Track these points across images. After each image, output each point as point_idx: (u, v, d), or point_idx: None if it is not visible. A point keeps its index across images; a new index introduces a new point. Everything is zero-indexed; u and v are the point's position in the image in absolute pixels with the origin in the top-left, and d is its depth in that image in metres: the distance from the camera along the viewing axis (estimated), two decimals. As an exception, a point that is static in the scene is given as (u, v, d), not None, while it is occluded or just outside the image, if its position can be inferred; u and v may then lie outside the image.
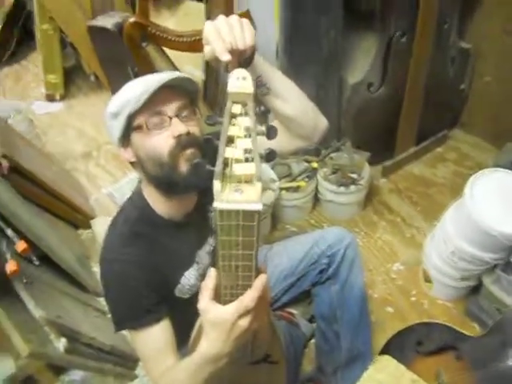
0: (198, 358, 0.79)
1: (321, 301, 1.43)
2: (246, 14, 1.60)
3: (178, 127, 0.88)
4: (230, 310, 0.70)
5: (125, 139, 0.92)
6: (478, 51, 2.33)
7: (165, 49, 1.86)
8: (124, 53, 1.86)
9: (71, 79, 3.45)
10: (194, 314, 1.08)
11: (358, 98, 2.05)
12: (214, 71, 2.07)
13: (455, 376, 1.31)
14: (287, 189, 2.05)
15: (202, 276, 1.08)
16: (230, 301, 0.71)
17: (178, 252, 1.02)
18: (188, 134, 0.89)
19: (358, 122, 2.12)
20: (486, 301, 1.66)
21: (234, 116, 0.57)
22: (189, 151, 0.89)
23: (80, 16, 2.64)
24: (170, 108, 0.89)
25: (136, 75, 1.88)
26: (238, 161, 0.53)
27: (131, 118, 0.88)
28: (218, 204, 0.52)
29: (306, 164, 2.10)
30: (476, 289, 1.75)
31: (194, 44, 1.72)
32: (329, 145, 2.10)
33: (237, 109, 0.57)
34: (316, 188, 2.12)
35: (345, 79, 2.02)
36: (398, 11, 1.90)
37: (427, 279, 1.86)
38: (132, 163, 0.97)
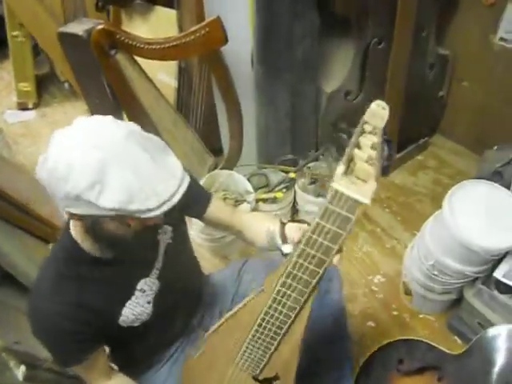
0: None
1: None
2: (216, 22, 1.54)
3: (158, 219, 0.82)
4: None
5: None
6: (456, 57, 2.31)
7: (136, 58, 1.80)
8: (96, 60, 1.80)
9: (45, 87, 3.36)
10: (147, 337, 1.09)
11: (335, 107, 2.01)
12: (187, 79, 2.01)
13: (437, 398, 1.26)
14: (265, 200, 1.99)
15: (157, 300, 1.03)
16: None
17: (115, 285, 0.97)
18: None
19: (336, 131, 2.07)
20: (468, 315, 1.62)
21: (365, 131, 0.64)
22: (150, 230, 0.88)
23: (51, 23, 2.55)
24: None
25: (109, 85, 1.82)
26: (361, 159, 0.60)
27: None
28: (336, 185, 0.59)
29: (283, 174, 2.05)
30: (458, 302, 1.71)
31: (164, 51, 1.66)
32: (306, 154, 2.05)
33: (369, 128, 0.64)
34: (294, 199, 2.07)
35: (322, 87, 1.97)
36: (375, 18, 1.86)
37: (407, 292, 1.81)
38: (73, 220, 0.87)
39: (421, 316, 1.80)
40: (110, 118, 0.79)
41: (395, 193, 2.35)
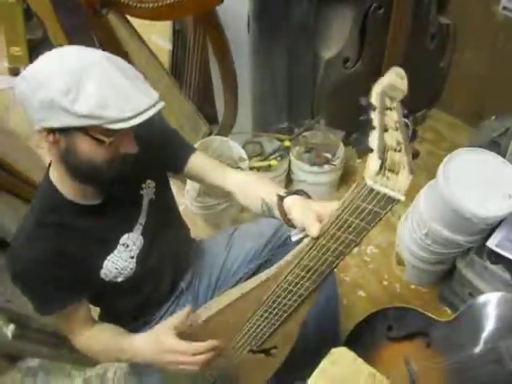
0: (125, 345, 0.97)
1: None
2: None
3: (130, 147, 0.83)
4: (172, 340, 0.90)
5: (63, 131, 0.77)
6: (459, 28, 2.26)
7: (129, 18, 1.74)
8: (88, 22, 1.75)
9: (39, 52, 3.21)
10: (133, 296, 1.09)
11: (332, 74, 1.96)
12: (182, 42, 1.96)
13: (425, 363, 1.26)
14: (259, 168, 1.97)
15: (141, 257, 1.02)
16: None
17: (95, 236, 0.95)
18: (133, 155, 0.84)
19: (333, 100, 2.03)
20: (459, 285, 1.62)
21: (387, 108, 0.62)
22: (128, 165, 0.86)
23: (42, -17, 2.47)
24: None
25: (103, 48, 1.77)
26: (392, 149, 0.57)
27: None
28: (371, 183, 0.56)
29: (278, 142, 2.02)
30: (450, 273, 1.71)
31: (157, 10, 1.60)
32: (302, 123, 2.02)
33: (388, 102, 0.63)
34: (289, 167, 2.04)
35: (319, 54, 1.92)
36: (376, -19, 1.81)
37: (400, 262, 1.81)
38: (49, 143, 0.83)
39: (412, 287, 1.81)
40: None
41: (391, 165, 2.32)
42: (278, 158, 1.99)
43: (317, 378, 0.90)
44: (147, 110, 0.76)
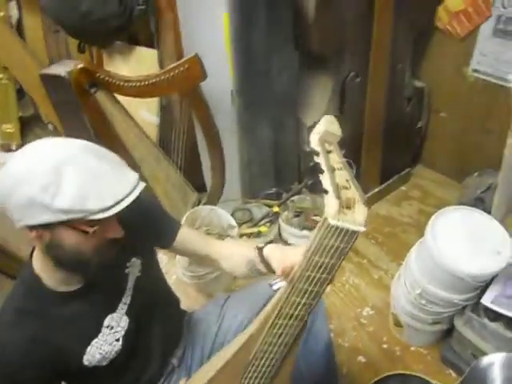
0: None
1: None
2: (194, 58, 1.56)
3: (115, 232, 0.83)
4: None
5: (46, 226, 0.77)
6: (432, 89, 2.38)
7: (118, 96, 1.81)
8: (77, 100, 1.81)
9: (30, 128, 3.34)
10: (121, 378, 1.04)
11: (316, 139, 2.02)
12: (169, 116, 2.03)
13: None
14: (249, 234, 1.97)
15: (127, 338, 0.99)
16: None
17: (77, 323, 0.92)
18: (120, 239, 0.84)
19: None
20: (460, 345, 1.58)
21: (328, 152, 0.69)
22: (113, 252, 0.87)
23: (33, 65, 2.58)
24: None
25: (92, 124, 1.83)
26: (344, 187, 0.63)
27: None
28: (333, 221, 0.60)
29: (267, 208, 2.04)
30: (449, 332, 1.67)
31: (144, 89, 1.68)
32: (289, 188, 2.05)
33: (328, 147, 0.69)
34: (279, 232, 2.05)
35: (302, 121, 1.99)
36: (351, 53, 1.91)
37: (397, 323, 1.77)
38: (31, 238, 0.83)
39: (412, 349, 1.75)
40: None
41: (380, 224, 2.34)
42: (268, 224, 2.00)
43: None
44: (128, 195, 0.77)
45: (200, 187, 2.19)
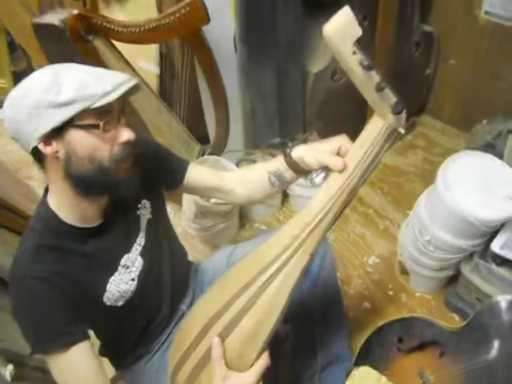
0: None
1: (292, 300, 1.34)
2: (196, 2, 1.48)
3: (126, 133, 0.84)
4: (254, 374, 0.81)
5: (55, 133, 0.79)
6: (442, 34, 2.29)
7: (115, 43, 1.74)
8: (73, 50, 1.73)
9: (23, 83, 3.27)
10: (135, 321, 1.06)
11: (321, 87, 1.96)
12: (169, 65, 1.96)
13: (440, 373, 1.23)
14: (254, 185, 1.94)
15: (141, 278, 1.01)
16: None
17: (96, 260, 0.93)
18: (133, 141, 0.85)
19: (324, 112, 2.03)
20: (466, 290, 1.60)
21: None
22: (129, 162, 0.86)
23: (25, 15, 2.47)
24: (116, 111, 0.83)
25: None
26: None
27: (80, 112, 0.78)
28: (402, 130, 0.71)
29: (271, 159, 2.00)
30: (455, 279, 1.69)
31: (144, 35, 1.60)
32: (294, 137, 2.01)
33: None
34: (284, 183, 2.02)
35: (307, 68, 1.92)
36: (359, -5, 1.82)
37: (404, 271, 1.79)
38: (43, 160, 0.84)
39: (417, 295, 1.78)
40: None
41: (385, 174, 2.33)
42: (273, 174, 1.96)
43: None
44: (125, 82, 0.80)
45: (203, 139, 2.15)
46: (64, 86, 0.75)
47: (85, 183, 0.83)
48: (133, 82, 0.82)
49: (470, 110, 2.36)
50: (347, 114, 2.10)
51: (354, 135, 0.80)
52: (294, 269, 0.78)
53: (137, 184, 0.92)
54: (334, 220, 0.78)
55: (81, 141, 0.79)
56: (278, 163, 0.97)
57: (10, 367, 1.22)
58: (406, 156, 2.43)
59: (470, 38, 2.17)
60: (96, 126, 0.79)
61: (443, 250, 1.50)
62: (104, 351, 1.14)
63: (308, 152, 0.89)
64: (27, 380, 1.28)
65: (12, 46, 3.11)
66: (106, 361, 1.14)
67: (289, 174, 0.96)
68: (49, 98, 0.75)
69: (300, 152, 0.91)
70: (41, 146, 0.79)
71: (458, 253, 1.49)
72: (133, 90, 0.83)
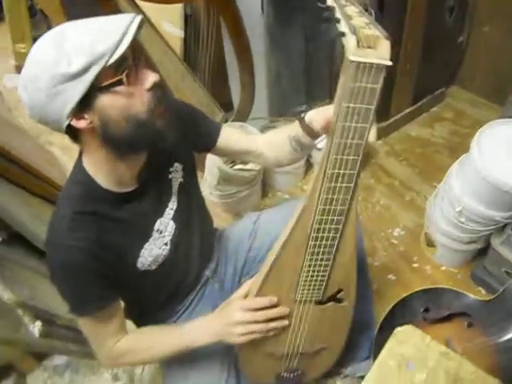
0: (184, 332, 0.96)
1: None
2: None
3: (150, 76, 0.78)
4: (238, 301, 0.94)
5: (83, 105, 0.74)
6: (477, 0, 2.18)
7: (140, 3, 1.69)
8: (96, 12, 1.69)
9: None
10: (163, 285, 1.07)
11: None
12: (194, 27, 1.90)
13: (467, 344, 1.21)
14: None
15: (173, 243, 1.01)
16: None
17: (132, 225, 0.92)
18: (159, 83, 0.79)
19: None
20: (494, 264, 1.57)
21: (344, 6, 0.65)
22: (162, 106, 0.80)
23: (46, -24, 2.43)
24: (131, 54, 0.76)
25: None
26: (362, 27, 0.60)
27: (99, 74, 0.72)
28: (355, 58, 0.58)
29: (297, 126, 1.96)
30: (481, 253, 1.65)
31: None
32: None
33: (345, 2, 0.66)
34: (309, 152, 1.99)
35: (337, 30, 1.85)
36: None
37: (429, 244, 1.76)
38: (78, 134, 0.80)
39: (443, 268, 1.75)
40: None
41: (411, 145, 2.27)
42: (298, 143, 1.93)
43: (385, 358, 0.86)
44: (130, 23, 0.72)
45: (226, 106, 2.11)
46: (72, 54, 0.69)
47: (126, 144, 0.80)
48: (137, 18, 0.74)
49: (502, 81, 2.27)
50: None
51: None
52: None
53: (168, 147, 0.88)
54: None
55: (111, 103, 0.75)
56: (296, 128, 0.96)
57: (39, 324, 1.23)
58: (433, 128, 2.36)
59: (506, 3, 2.06)
60: (120, 82, 0.73)
61: (475, 221, 1.46)
62: (128, 314, 1.14)
63: (314, 116, 0.89)
64: (55, 337, 1.30)
65: (32, 11, 3.07)
66: (129, 323, 1.15)
67: (306, 139, 0.94)
68: (61, 71, 0.69)
69: (310, 116, 0.90)
70: (74, 123, 0.75)
71: (490, 225, 1.45)
72: (140, 27, 0.75)
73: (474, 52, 2.35)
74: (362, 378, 0.95)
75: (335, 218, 0.80)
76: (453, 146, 2.21)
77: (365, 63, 0.59)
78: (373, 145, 0.78)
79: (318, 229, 0.81)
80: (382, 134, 2.27)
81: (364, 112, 0.65)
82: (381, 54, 0.59)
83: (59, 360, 1.59)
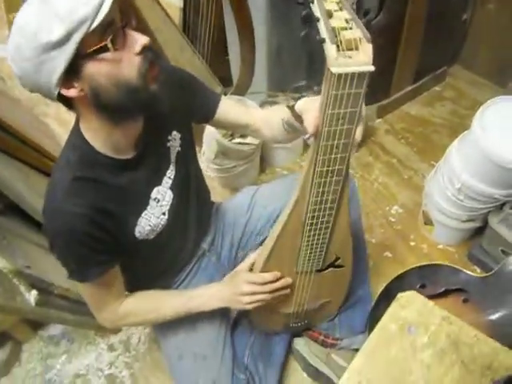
0: (194, 295, 1.04)
1: None
2: None
3: (139, 39, 0.74)
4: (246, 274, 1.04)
5: (70, 73, 0.72)
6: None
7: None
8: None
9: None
10: (161, 256, 1.08)
11: (353, 27, 1.86)
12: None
13: (463, 319, 1.22)
14: (277, 129, 1.89)
15: (171, 213, 1.00)
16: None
17: (130, 192, 0.91)
18: (149, 45, 0.76)
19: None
20: (491, 243, 1.57)
21: None
22: (155, 69, 0.78)
23: None
24: (118, 18, 0.73)
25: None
26: (343, 29, 0.57)
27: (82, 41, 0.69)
28: (335, 69, 0.56)
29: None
30: (478, 232, 1.66)
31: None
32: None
33: None
34: (308, 128, 1.97)
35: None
36: None
37: (427, 222, 1.76)
38: (72, 102, 0.78)
39: (440, 247, 1.76)
40: None
41: (411, 124, 2.25)
42: (298, 118, 1.90)
43: (387, 322, 0.87)
44: None
45: (224, 81, 2.08)
46: (52, 22, 0.66)
47: (120, 111, 0.78)
48: None
49: (504, 61, 2.24)
50: (377, 59, 2.01)
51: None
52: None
53: (166, 115, 0.89)
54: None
55: (98, 70, 0.72)
56: (288, 112, 0.93)
57: (34, 293, 1.23)
58: (433, 107, 2.34)
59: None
60: (105, 48, 0.70)
61: (474, 199, 1.46)
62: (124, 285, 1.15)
63: (303, 107, 0.83)
64: (51, 306, 1.30)
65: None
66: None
67: (298, 124, 0.91)
68: (42, 41, 0.66)
69: (300, 106, 0.86)
70: (64, 91, 0.73)
71: (489, 203, 1.45)
72: None
73: (478, 30, 2.31)
74: (357, 350, 0.96)
75: (328, 205, 0.84)
76: (453, 125, 2.20)
77: (346, 74, 0.57)
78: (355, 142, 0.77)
79: (312, 216, 0.86)
80: (382, 112, 2.25)
81: (349, 115, 0.65)
82: (362, 59, 0.57)
83: (55, 330, 1.60)
